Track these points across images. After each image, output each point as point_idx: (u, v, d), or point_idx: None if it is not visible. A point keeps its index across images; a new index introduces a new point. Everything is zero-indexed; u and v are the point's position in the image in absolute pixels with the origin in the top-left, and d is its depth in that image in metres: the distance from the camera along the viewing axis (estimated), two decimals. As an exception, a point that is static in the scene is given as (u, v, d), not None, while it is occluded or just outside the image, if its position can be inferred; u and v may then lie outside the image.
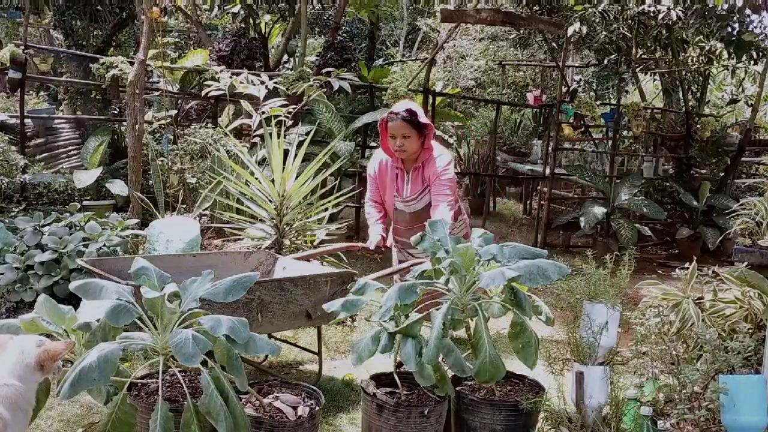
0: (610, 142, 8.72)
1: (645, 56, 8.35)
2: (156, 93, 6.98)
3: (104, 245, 4.43)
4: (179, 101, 7.60)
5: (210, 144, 5.87)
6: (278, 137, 4.71)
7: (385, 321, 2.57)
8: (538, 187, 9.22)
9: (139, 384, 2.54)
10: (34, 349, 2.21)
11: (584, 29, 6.95)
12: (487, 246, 2.71)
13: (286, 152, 4.68)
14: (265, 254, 3.95)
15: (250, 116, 6.16)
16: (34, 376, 2.21)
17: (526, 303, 2.59)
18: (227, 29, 10.80)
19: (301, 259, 3.85)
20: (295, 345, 3.97)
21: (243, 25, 8.55)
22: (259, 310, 3.07)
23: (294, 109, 6.22)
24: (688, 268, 3.48)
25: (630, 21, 7.37)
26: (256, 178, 4.62)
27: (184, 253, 4.24)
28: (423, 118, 3.85)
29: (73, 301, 3.28)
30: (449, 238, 2.82)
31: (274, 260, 3.87)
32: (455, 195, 3.96)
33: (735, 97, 10.32)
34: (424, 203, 3.94)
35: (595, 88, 11.77)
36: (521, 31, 10.47)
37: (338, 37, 8.36)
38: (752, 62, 8.07)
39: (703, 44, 8.27)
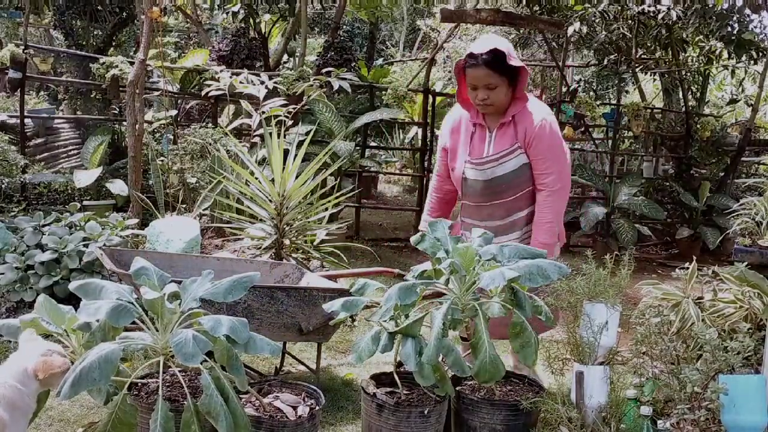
0: (610, 142, 8.72)
1: (645, 56, 8.35)
2: (156, 93, 6.99)
3: (104, 245, 4.43)
4: (179, 101, 7.60)
5: (210, 144, 5.87)
6: (278, 137, 4.71)
7: (384, 321, 2.57)
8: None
9: (139, 384, 2.54)
10: (36, 357, 2.23)
11: (584, 29, 6.95)
12: (487, 246, 2.71)
13: (286, 152, 4.68)
14: (291, 267, 3.74)
15: (250, 116, 6.16)
16: (33, 383, 2.21)
17: (526, 303, 2.59)
18: (227, 29, 10.80)
19: (329, 277, 3.66)
20: (291, 355, 3.97)
21: (243, 25, 8.55)
22: (245, 315, 2.89)
23: (294, 109, 6.23)
24: (688, 268, 3.48)
25: (630, 21, 7.37)
26: (256, 178, 4.62)
27: (208, 256, 4.21)
28: (515, 60, 3.00)
29: (73, 301, 3.28)
30: (449, 238, 2.78)
31: (301, 275, 3.67)
32: (566, 182, 3.08)
33: (735, 97, 10.32)
34: (508, 169, 3.09)
35: (595, 88, 11.77)
36: (521, 31, 10.46)
37: (338, 37, 8.36)
38: (752, 62, 8.07)
39: (703, 44, 8.27)
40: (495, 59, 2.96)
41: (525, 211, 3.19)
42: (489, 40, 3.05)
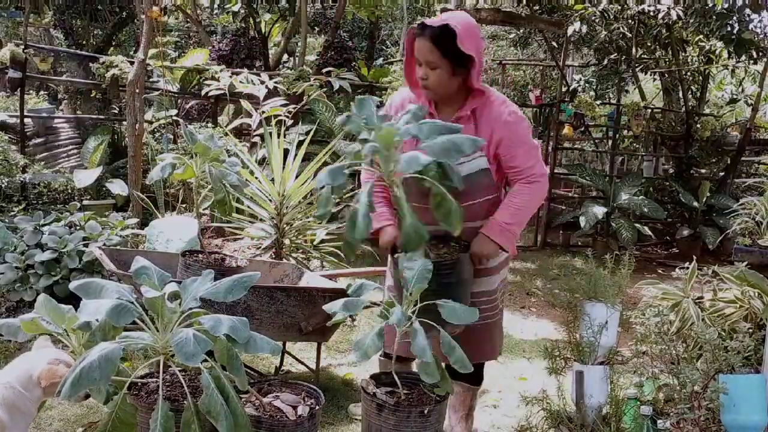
0: (610, 142, 8.72)
1: (645, 56, 8.35)
2: (156, 92, 6.98)
3: (104, 245, 4.43)
4: (179, 101, 7.60)
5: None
6: (278, 137, 4.71)
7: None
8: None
9: (139, 383, 2.54)
10: (42, 364, 2.23)
11: (584, 29, 6.94)
12: (407, 126, 2.50)
13: (286, 152, 4.69)
14: (291, 267, 3.74)
15: (250, 116, 6.16)
16: (36, 390, 2.22)
17: (454, 175, 2.43)
18: (227, 28, 10.80)
19: (329, 277, 3.66)
20: (291, 355, 3.97)
21: (243, 25, 8.56)
22: (245, 315, 2.82)
23: (294, 108, 6.23)
24: (688, 268, 3.48)
25: (630, 20, 7.37)
26: (256, 178, 4.62)
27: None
28: (467, 45, 2.54)
29: (73, 300, 3.28)
30: (377, 117, 2.46)
31: (300, 274, 3.67)
32: (544, 176, 2.70)
33: (735, 96, 10.32)
34: (470, 170, 2.66)
35: (595, 87, 11.77)
36: (521, 31, 10.47)
37: (338, 37, 8.36)
38: (752, 62, 8.06)
39: (703, 44, 8.27)
40: (442, 36, 2.55)
41: (471, 225, 2.68)
42: (452, 15, 2.65)
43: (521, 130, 2.68)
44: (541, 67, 12.57)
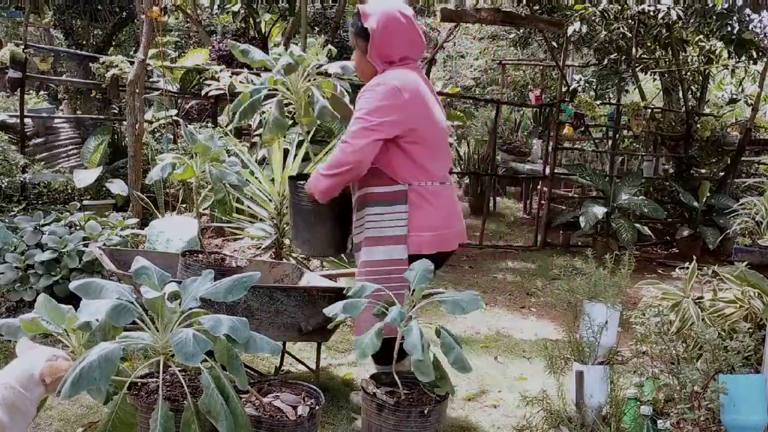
0: (610, 142, 8.72)
1: (645, 56, 8.34)
2: (156, 92, 6.98)
3: (104, 245, 4.43)
4: (179, 101, 7.59)
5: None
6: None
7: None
8: (538, 187, 9.23)
9: (139, 384, 2.54)
10: (42, 362, 2.22)
11: (584, 29, 6.94)
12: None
13: (286, 152, 4.69)
14: (291, 267, 3.76)
15: (250, 116, 6.14)
16: (37, 389, 2.21)
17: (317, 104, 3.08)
18: (227, 28, 10.79)
19: (329, 277, 3.65)
20: (291, 355, 3.97)
21: (243, 25, 8.55)
22: (245, 315, 2.86)
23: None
24: (688, 268, 3.48)
25: (630, 20, 7.37)
26: (256, 178, 4.62)
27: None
28: (369, 20, 2.74)
29: (73, 300, 3.28)
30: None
31: (300, 274, 3.68)
32: (351, 139, 2.70)
33: (735, 96, 10.31)
34: None
35: (595, 87, 11.76)
36: (521, 31, 10.47)
37: (338, 37, 8.36)
38: (752, 62, 8.06)
39: (703, 44, 8.27)
40: (356, 18, 2.81)
41: (358, 193, 2.95)
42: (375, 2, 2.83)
43: (362, 100, 2.75)
44: (541, 67, 12.57)
